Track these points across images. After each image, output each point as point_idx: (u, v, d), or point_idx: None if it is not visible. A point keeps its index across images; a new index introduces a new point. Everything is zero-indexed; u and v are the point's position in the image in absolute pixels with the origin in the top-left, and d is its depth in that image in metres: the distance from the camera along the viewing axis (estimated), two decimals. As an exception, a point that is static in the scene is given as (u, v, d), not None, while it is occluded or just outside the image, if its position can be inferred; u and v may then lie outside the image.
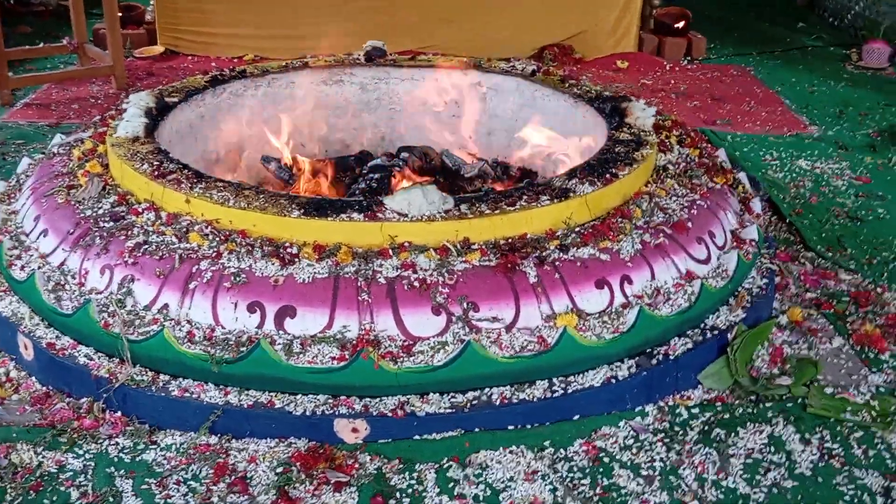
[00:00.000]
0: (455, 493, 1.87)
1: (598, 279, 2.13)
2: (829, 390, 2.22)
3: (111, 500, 1.85)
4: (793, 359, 2.31)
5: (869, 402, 2.18)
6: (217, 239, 2.14)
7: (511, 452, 1.97)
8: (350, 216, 2.12)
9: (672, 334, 2.21)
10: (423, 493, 1.87)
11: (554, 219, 2.21)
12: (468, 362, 1.99)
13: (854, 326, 2.52)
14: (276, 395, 2.03)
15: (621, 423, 2.07)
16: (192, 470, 1.92)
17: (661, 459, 1.97)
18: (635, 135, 2.61)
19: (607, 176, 2.34)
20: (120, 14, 4.81)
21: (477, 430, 2.01)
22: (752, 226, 2.58)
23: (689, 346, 2.21)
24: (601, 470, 1.94)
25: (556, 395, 2.06)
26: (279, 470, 1.91)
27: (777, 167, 3.77)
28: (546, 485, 1.89)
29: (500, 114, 3.23)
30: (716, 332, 2.27)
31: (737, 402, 2.17)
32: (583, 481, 1.91)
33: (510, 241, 2.15)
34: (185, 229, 2.18)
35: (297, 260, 2.08)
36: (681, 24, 5.53)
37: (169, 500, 1.85)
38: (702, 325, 2.29)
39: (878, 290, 2.73)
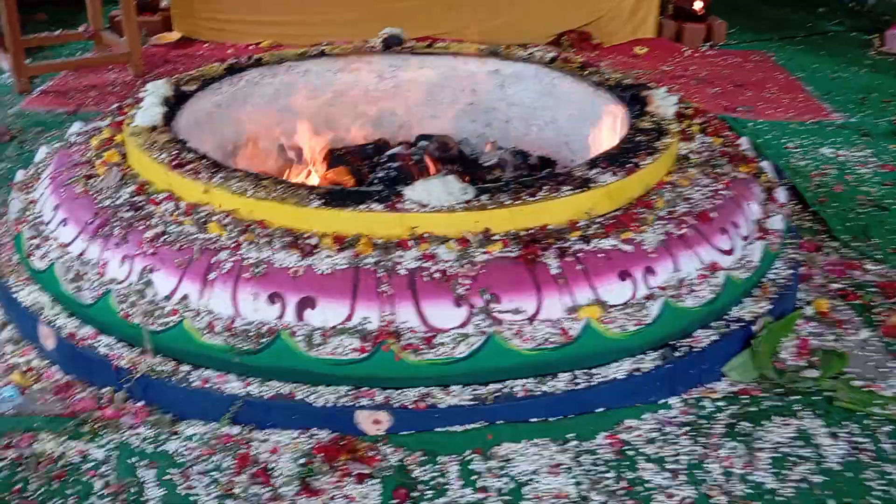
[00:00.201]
0: (478, 486, 1.86)
1: (621, 270, 2.10)
2: (856, 383, 2.18)
3: (133, 490, 1.85)
4: (819, 351, 2.28)
5: (897, 395, 2.14)
6: (237, 229, 2.13)
7: (534, 445, 1.95)
8: (370, 207, 2.10)
9: (696, 326, 2.18)
10: (446, 486, 1.86)
11: (576, 209, 2.18)
12: (490, 354, 1.97)
13: (881, 318, 2.48)
14: (296, 387, 2.02)
15: (645, 416, 2.05)
16: (214, 461, 1.92)
17: (687, 453, 1.95)
18: (657, 123, 2.57)
19: (629, 165, 2.31)
20: (135, 1, 4.79)
21: (499, 422, 2.00)
22: (778, 216, 2.54)
23: (714, 337, 2.18)
24: (626, 463, 1.92)
25: (579, 387, 2.03)
26: (301, 461, 1.91)
27: (800, 155, 3.71)
28: (570, 478, 1.87)
29: (518, 102, 3.19)
30: (741, 324, 2.23)
31: (763, 394, 2.14)
32: (607, 475, 1.89)
33: (531, 231, 2.12)
34: (203, 220, 2.17)
35: (316, 251, 2.07)
36: (700, 7, 5.43)
37: (191, 491, 1.84)
38: (726, 317, 2.25)
39: (905, 280, 2.69)
